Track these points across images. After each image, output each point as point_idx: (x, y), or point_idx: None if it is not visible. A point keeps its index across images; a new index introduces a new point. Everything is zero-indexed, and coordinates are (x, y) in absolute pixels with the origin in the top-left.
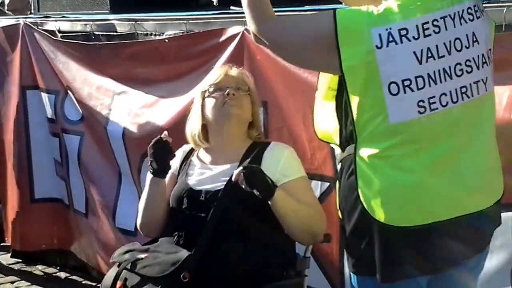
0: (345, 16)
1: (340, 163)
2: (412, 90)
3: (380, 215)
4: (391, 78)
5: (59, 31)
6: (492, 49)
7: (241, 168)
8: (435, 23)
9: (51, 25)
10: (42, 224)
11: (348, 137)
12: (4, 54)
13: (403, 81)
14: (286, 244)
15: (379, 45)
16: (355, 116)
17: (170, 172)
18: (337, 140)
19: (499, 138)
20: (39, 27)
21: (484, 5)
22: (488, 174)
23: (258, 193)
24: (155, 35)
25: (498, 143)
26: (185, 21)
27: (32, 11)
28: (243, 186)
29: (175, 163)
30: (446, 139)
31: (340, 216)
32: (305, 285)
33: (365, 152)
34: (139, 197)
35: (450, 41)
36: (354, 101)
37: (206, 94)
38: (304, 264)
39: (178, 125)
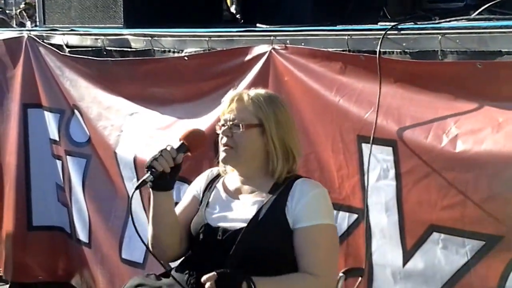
0: None
1: None
2: None
3: None
4: None
5: (67, 46)
6: None
7: (214, 274)
8: None
9: (58, 39)
10: (40, 254)
11: None
12: (4, 68)
13: None
14: None
15: None
16: None
17: (191, 195)
18: None
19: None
20: (45, 40)
21: None
22: None
23: None
24: (174, 52)
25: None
26: (207, 38)
27: (38, 23)
28: None
29: (199, 186)
30: None
31: None
32: None
33: None
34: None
35: None
36: None
37: (217, 127)
38: None
39: None
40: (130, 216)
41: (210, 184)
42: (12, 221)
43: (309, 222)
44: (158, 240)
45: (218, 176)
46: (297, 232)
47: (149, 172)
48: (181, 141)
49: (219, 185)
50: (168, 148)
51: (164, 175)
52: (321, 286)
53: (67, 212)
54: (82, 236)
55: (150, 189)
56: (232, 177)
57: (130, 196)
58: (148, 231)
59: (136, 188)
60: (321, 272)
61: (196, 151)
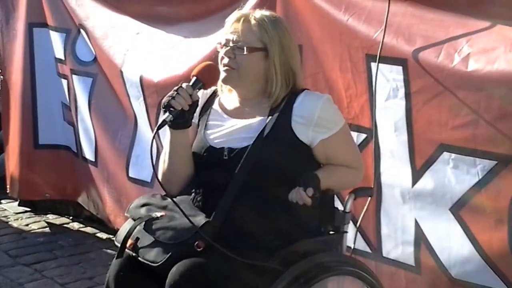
0: None
1: None
2: None
3: None
4: None
5: None
6: None
7: (311, 190)
8: None
9: None
10: (46, 172)
11: None
12: None
13: None
14: (323, 197)
15: None
16: None
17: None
18: None
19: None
20: None
21: None
22: None
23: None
24: None
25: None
26: None
27: None
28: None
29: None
30: None
31: None
32: (345, 242)
33: None
34: (157, 147)
35: None
36: None
37: (218, 45)
38: (344, 219)
39: None
40: (149, 150)
41: (206, 106)
42: (18, 139)
43: (330, 132)
44: (174, 174)
45: (212, 96)
46: (321, 144)
47: (167, 112)
48: (195, 77)
49: (215, 106)
50: (184, 86)
51: (182, 113)
52: (360, 176)
53: (73, 131)
54: (89, 154)
55: (168, 128)
56: (230, 98)
57: (152, 138)
58: (162, 166)
59: (156, 130)
60: (357, 164)
61: (211, 85)
